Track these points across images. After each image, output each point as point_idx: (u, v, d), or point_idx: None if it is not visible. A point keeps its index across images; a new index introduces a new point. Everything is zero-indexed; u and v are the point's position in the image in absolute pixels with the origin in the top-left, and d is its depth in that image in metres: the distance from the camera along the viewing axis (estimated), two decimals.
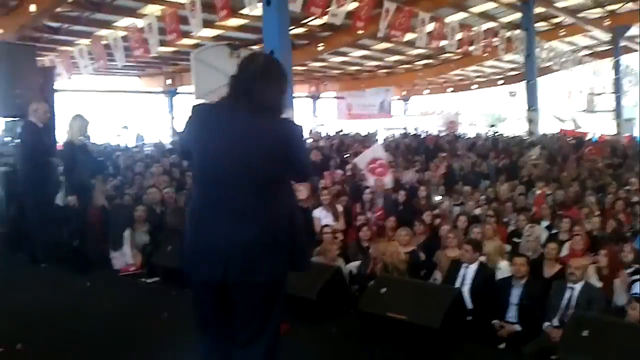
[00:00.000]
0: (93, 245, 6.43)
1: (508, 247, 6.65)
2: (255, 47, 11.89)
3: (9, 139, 7.67)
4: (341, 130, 20.59)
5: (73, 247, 6.41)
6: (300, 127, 2.63)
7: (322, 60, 22.36)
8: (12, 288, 5.63)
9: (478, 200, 8.61)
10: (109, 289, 5.71)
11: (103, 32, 15.07)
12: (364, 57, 22.59)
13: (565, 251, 6.38)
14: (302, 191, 7.01)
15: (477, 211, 8.12)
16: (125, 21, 14.74)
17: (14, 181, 6.85)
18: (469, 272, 5.64)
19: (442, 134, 20.56)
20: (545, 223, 7.74)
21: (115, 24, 14.94)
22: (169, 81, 22.65)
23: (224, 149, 2.46)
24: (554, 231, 7.26)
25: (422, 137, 18.67)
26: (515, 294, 5.33)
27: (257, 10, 9.69)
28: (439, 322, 4.01)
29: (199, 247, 2.54)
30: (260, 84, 2.50)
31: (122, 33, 13.72)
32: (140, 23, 13.20)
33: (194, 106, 2.63)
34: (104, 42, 13.92)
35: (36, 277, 6.01)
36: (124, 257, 6.40)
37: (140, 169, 9.73)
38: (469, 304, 5.25)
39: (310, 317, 4.57)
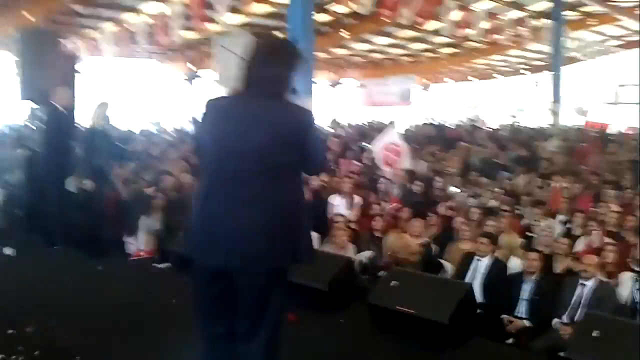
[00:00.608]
0: (108, 230, 6.53)
1: (522, 241, 6.61)
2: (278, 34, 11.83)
3: (36, 123, 7.80)
4: (361, 121, 20.48)
5: (87, 230, 6.52)
6: (312, 113, 2.58)
7: (346, 47, 22.22)
8: (25, 270, 5.75)
9: (494, 192, 8.52)
10: (121, 273, 5.81)
11: (128, 16, 15.17)
12: (388, 44, 22.38)
13: (580, 246, 6.32)
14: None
15: (493, 203, 8.06)
16: (150, 6, 14.80)
17: (34, 165, 6.96)
18: (481, 265, 5.64)
19: (462, 124, 20.34)
20: (561, 217, 7.66)
21: (140, 8, 15.01)
22: (190, 66, 22.66)
23: (234, 134, 2.46)
24: (568, 226, 7.18)
25: (441, 126, 18.49)
26: (526, 289, 5.31)
27: None
28: (447, 317, 4.01)
29: (203, 231, 2.54)
30: (266, 63, 2.50)
31: (147, 18, 13.78)
32: (164, 9, 13.24)
33: (207, 101, 2.65)
34: (127, 26, 13.99)
35: (49, 259, 6.13)
36: (138, 243, 6.50)
37: (157, 154, 9.79)
38: (479, 297, 5.26)
39: (321, 307, 4.60)
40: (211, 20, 12.56)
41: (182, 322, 4.18)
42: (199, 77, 22.78)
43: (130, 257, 6.46)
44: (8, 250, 6.34)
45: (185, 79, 23.06)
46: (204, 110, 2.63)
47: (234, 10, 13.44)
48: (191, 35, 15.77)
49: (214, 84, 12.26)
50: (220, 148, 2.51)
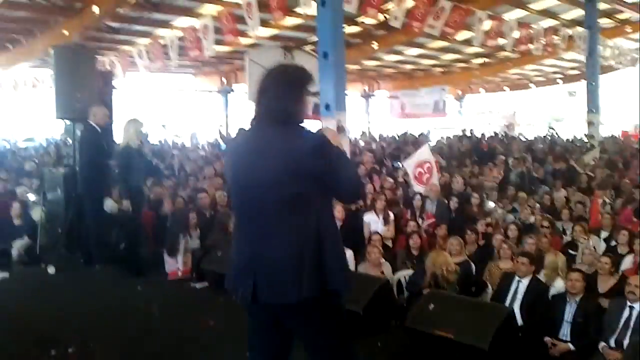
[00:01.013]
0: (146, 249, 6.58)
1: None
2: (308, 49, 11.90)
3: (69, 140, 7.91)
4: (394, 132, 20.37)
5: (126, 249, 6.58)
6: (323, 137, 2.49)
7: (377, 59, 22.19)
8: (66, 288, 5.83)
9: (533, 208, 8.33)
10: (159, 292, 5.84)
11: (161, 31, 15.40)
12: (419, 55, 22.29)
13: (626, 265, 6.12)
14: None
15: (532, 219, 7.89)
16: (183, 21, 15.01)
17: (73, 183, 7.05)
18: (521, 286, 5.49)
19: (499, 135, 20.09)
20: (604, 234, 7.45)
21: (173, 23, 15.23)
22: (224, 80, 22.94)
23: (249, 167, 2.46)
24: (612, 243, 6.97)
25: (476, 139, 18.26)
26: (569, 311, 5.13)
27: (313, 9, 9.64)
28: (487, 342, 3.91)
29: (235, 265, 2.57)
30: (278, 95, 2.48)
31: (179, 33, 13.96)
32: (196, 23, 13.40)
33: (228, 139, 2.75)
34: (161, 41, 14.19)
35: (89, 278, 6.21)
36: (176, 262, 6.53)
37: (192, 170, 9.86)
38: (519, 319, 5.12)
39: (356, 330, 4.53)
40: (242, 33, 12.66)
41: (221, 344, 4.20)
42: (233, 91, 23.01)
43: (168, 276, 6.48)
44: (50, 269, 6.43)
45: (218, 93, 23.32)
46: (226, 147, 2.71)
47: (264, 23, 13.50)
48: (223, 49, 15.92)
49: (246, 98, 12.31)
50: (239, 183, 2.53)
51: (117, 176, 6.63)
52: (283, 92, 2.49)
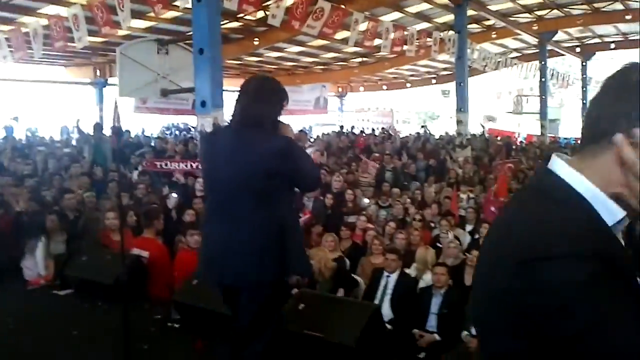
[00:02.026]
0: (2, 254, 6.07)
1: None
2: (183, 44, 11.53)
3: None
4: None
5: None
6: (290, 140, 2.88)
7: (258, 55, 22.10)
8: None
9: (405, 203, 8.64)
10: (18, 301, 5.42)
11: (25, 19, 14.33)
12: (300, 53, 22.47)
13: None
14: None
15: (403, 214, 8.17)
16: (50, 9, 14.05)
17: None
18: (390, 281, 5.67)
19: (375, 132, 20.72)
20: (469, 227, 7.87)
21: (40, 11, 14.21)
22: (97, 72, 21.84)
23: (223, 163, 2.81)
24: (476, 236, 7.36)
25: (354, 135, 18.73)
26: (435, 303, 5.39)
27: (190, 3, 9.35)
28: (354, 339, 3.99)
29: (204, 253, 2.96)
30: (253, 102, 2.83)
31: (44, 22, 13.04)
32: (65, 12, 12.58)
33: (202, 134, 3.08)
34: (23, 29, 13.18)
35: None
36: (36, 268, 6.07)
37: (56, 169, 9.20)
38: (389, 314, 5.29)
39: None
40: (117, 25, 12.08)
41: (85, 355, 3.96)
42: (107, 83, 21.97)
43: (28, 283, 6.01)
44: None
45: (91, 85, 22.18)
46: (201, 142, 2.94)
47: (140, 15, 12.98)
48: (97, 39, 15.13)
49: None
50: (212, 176, 2.94)
51: None
52: (259, 100, 2.84)
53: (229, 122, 2.98)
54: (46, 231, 6.19)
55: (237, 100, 2.91)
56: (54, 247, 6.28)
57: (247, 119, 2.82)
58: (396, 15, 17.52)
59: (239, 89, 2.92)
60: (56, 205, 7.03)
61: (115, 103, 5.36)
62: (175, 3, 12.27)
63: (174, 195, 7.04)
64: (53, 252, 6.25)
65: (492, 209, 8.33)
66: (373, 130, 22.41)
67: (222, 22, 10.43)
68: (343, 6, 13.09)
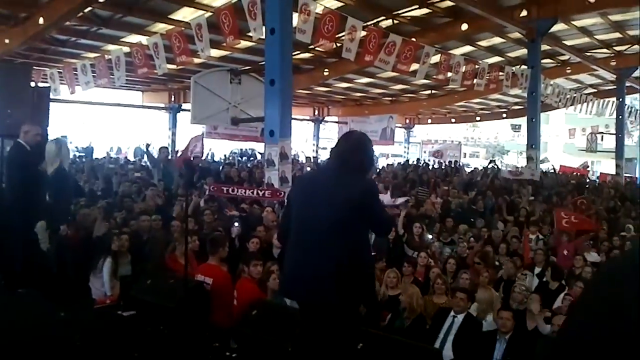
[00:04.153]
0: (73, 273, 6.27)
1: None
2: (254, 74, 11.82)
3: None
4: None
5: (52, 273, 6.26)
6: (374, 185, 3.59)
7: (327, 85, 22.38)
8: None
9: (469, 241, 8.42)
10: (85, 319, 5.56)
11: (109, 47, 15.11)
12: (368, 84, 22.60)
13: (559, 302, 6.19)
14: None
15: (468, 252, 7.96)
16: (133, 38, 14.77)
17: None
18: (456, 322, 5.49)
19: (439, 166, 20.43)
20: (537, 270, 7.56)
21: (123, 40, 14.97)
22: (172, 97, 22.70)
23: (315, 197, 3.28)
24: (544, 279, 7.07)
25: (420, 168, 18.51)
26: (499, 349, 5.18)
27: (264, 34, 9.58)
28: None
29: (289, 273, 3.38)
30: (356, 150, 3.39)
31: (127, 50, 13.70)
32: (145, 41, 13.17)
33: (296, 178, 3.46)
34: (107, 57, 13.90)
35: (9, 303, 5.86)
36: (103, 287, 6.25)
37: (129, 191, 9.49)
38: (450, 355, 5.12)
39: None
40: (194, 54, 12.52)
41: None
42: (182, 109, 22.74)
43: (95, 302, 6.18)
44: None
45: (165, 110, 23.02)
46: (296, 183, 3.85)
47: (214, 44, 13.40)
48: (173, 67, 15.73)
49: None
50: (303, 211, 3.33)
51: (50, 198, 6.33)
52: (361, 150, 3.42)
53: (326, 163, 3.52)
54: (113, 252, 6.37)
55: (337, 146, 3.53)
56: (120, 268, 6.46)
57: (348, 164, 3.32)
58: (467, 48, 17.37)
59: (340, 138, 3.60)
60: (125, 227, 7.25)
61: (203, 134, 5.54)
62: (248, 34, 12.63)
63: (236, 224, 7.12)
64: (120, 273, 6.42)
65: (565, 252, 8.02)
66: (440, 163, 22.08)
67: (293, 53, 10.62)
68: (414, 39, 13.10)
